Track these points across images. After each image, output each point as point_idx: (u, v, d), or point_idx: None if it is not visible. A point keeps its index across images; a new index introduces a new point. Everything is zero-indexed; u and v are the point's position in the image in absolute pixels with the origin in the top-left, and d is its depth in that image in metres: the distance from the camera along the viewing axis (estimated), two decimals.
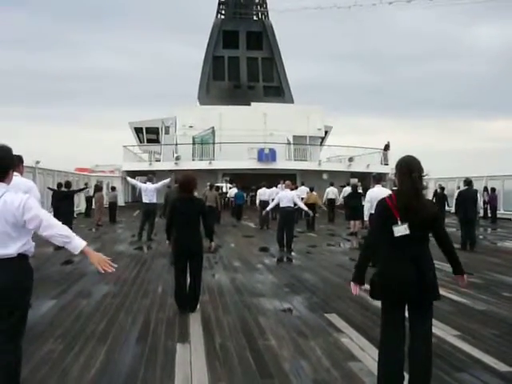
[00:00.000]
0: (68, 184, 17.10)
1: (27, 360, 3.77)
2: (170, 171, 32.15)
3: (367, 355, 5.24)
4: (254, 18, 51.66)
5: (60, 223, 3.63)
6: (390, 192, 4.48)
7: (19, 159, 7.43)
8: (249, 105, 40.00)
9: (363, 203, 15.29)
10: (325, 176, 33.60)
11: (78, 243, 3.61)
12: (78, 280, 9.33)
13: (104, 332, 6.03)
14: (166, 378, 4.64)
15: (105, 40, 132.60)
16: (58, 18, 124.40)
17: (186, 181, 7.19)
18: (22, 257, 3.57)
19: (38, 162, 21.03)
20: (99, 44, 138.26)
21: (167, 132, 41.34)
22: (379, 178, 12.05)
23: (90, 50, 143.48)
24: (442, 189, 22.52)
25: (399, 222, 3.87)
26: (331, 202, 24.66)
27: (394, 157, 36.48)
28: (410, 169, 3.96)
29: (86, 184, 25.20)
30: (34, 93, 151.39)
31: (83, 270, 10.39)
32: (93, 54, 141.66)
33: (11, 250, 3.51)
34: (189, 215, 7.07)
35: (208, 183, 20.77)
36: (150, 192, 15.70)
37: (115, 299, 7.78)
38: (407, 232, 3.85)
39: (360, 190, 19.10)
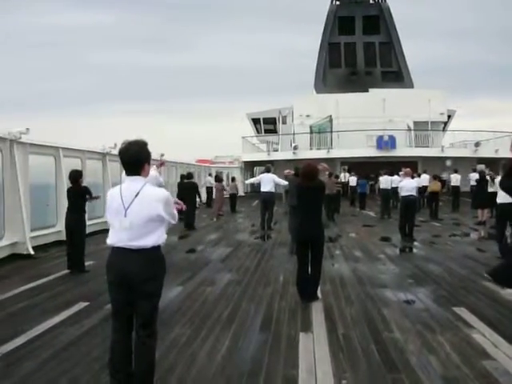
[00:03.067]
0: (190, 175, 17.94)
1: (157, 344, 3.94)
2: (288, 161, 32.43)
3: (501, 353, 4.91)
4: (371, 1, 50.21)
5: None
6: None
7: None
8: (366, 91, 39.05)
9: (490, 190, 14.39)
10: (448, 162, 31.98)
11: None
12: (202, 268, 9.69)
13: (228, 319, 6.19)
14: (290, 366, 4.66)
15: (219, 34, 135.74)
16: (172, 15, 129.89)
17: (308, 169, 7.32)
18: (155, 247, 3.75)
19: (162, 155, 22.09)
20: (214, 38, 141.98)
21: (284, 122, 41.53)
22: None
23: (206, 44, 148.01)
24: None
25: None
26: (455, 189, 23.47)
27: None
28: None
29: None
30: (153, 88, 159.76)
31: (207, 259, 10.79)
32: (209, 49, 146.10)
33: (148, 241, 3.69)
34: (311, 202, 7.18)
35: (326, 172, 20.59)
36: (267, 182, 15.91)
37: (238, 287, 7.96)
38: None
39: (488, 177, 17.94)
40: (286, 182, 15.33)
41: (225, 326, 5.88)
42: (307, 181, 7.24)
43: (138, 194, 3.67)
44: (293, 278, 7.61)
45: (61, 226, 11.59)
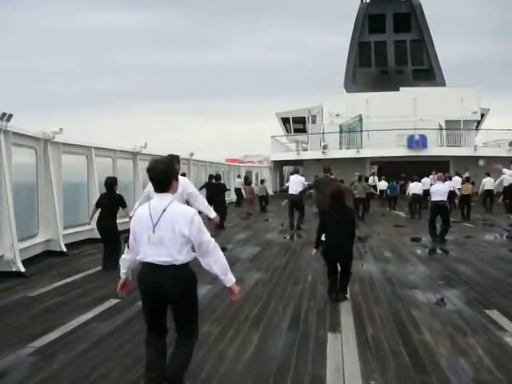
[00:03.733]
0: (218, 176, 18.11)
1: None
2: (318, 160, 32.31)
3: None
4: None
5: (220, 252, 3.86)
6: None
7: (177, 159, 7.93)
8: (397, 90, 38.59)
9: None
10: (481, 162, 31.42)
11: (231, 277, 3.96)
12: (231, 266, 9.47)
13: (257, 318, 6.22)
14: (318, 366, 4.66)
15: (247, 33, 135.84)
16: (202, 16, 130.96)
17: (337, 192, 7.30)
18: (184, 264, 3.74)
19: (191, 154, 22.26)
20: (242, 38, 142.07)
21: (314, 121, 41.37)
22: None
23: (234, 44, 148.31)
24: None
25: None
26: (489, 193, 22.83)
27: None
28: None
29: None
30: (187, 89, 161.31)
31: (236, 257, 10.84)
32: (237, 49, 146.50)
33: (176, 258, 3.69)
34: (340, 225, 7.09)
35: (356, 174, 20.50)
36: (295, 183, 15.90)
37: (267, 286, 7.98)
38: None
39: None
40: (307, 183, 15.45)
41: (253, 325, 5.92)
42: (336, 203, 7.21)
43: (164, 210, 3.71)
44: (322, 278, 7.60)
45: (93, 223, 11.78)
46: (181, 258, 3.69)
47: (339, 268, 7.14)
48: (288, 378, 4.40)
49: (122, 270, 4.05)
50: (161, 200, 3.77)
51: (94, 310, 6.53)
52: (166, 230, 3.68)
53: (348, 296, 7.12)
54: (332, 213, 7.28)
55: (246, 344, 5.26)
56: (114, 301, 6.95)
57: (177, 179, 3.91)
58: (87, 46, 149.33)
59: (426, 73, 45.18)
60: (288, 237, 14.52)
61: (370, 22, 46.76)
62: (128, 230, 4.04)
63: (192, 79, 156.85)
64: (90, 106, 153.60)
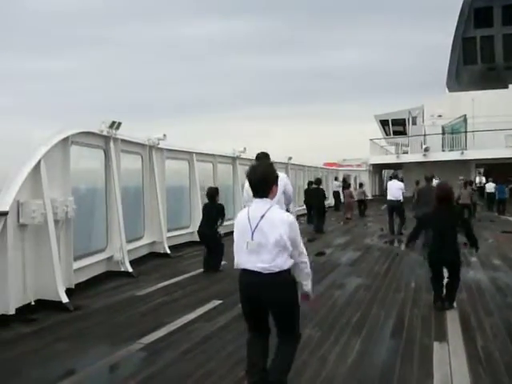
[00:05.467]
0: (318, 181, 18.00)
1: None
2: (418, 163, 31.29)
3: None
4: None
5: (307, 260, 3.89)
6: None
7: (267, 156, 7.92)
8: (506, 87, 36.52)
9: None
10: None
11: (310, 285, 3.95)
12: (331, 271, 9.64)
13: (358, 323, 6.11)
14: (424, 376, 4.48)
15: (348, 36, 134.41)
16: (300, 20, 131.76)
17: (443, 193, 6.94)
18: (284, 271, 3.68)
19: (290, 159, 22.36)
20: (342, 40, 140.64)
21: (414, 123, 40.17)
22: None
23: (331, 46, 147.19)
24: None
25: None
26: None
27: None
28: None
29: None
30: (284, 92, 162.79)
31: (335, 262, 10.73)
32: (336, 50, 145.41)
33: (274, 265, 3.64)
34: (446, 226, 6.75)
35: (461, 178, 19.62)
36: (393, 189, 15.46)
37: (368, 292, 7.82)
38: None
39: None
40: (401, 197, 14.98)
41: (354, 331, 5.81)
42: (442, 204, 6.86)
43: (263, 216, 3.67)
44: (426, 285, 7.32)
45: (194, 227, 12.16)
46: (279, 264, 3.65)
47: (445, 275, 6.83)
48: None
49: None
50: (259, 205, 3.74)
51: (197, 310, 6.72)
52: (265, 236, 3.64)
53: (455, 304, 6.80)
54: (438, 213, 6.93)
55: (348, 349, 5.18)
56: (217, 302, 7.12)
57: (277, 184, 3.84)
58: (190, 54, 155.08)
59: None
60: (388, 242, 14.15)
61: (475, 16, 44.48)
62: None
63: (290, 83, 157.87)
64: (189, 111, 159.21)
